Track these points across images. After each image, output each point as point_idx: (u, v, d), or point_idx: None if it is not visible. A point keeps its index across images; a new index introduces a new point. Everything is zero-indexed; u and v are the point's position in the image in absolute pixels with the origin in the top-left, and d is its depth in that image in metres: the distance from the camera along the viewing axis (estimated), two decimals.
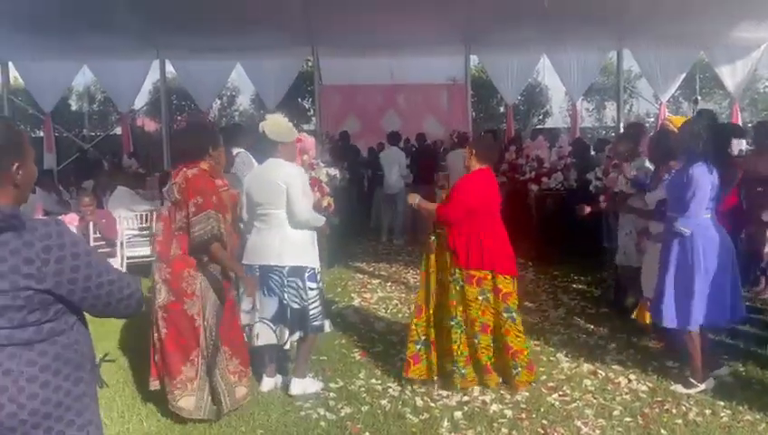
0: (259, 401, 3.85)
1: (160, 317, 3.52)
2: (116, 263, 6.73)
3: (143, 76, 13.78)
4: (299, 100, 20.10)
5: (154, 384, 3.65)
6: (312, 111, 17.74)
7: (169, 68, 13.95)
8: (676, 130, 4.57)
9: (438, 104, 14.08)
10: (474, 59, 14.62)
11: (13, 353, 1.53)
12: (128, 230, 6.97)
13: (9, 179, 1.60)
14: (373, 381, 4.21)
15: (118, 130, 15.69)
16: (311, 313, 3.89)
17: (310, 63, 15.12)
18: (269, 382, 4.07)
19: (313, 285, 3.90)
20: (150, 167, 11.62)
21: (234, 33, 11.84)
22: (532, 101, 21.80)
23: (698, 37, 12.90)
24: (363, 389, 4.08)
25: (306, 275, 3.87)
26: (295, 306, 3.86)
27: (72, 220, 6.06)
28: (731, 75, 13.73)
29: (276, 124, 3.94)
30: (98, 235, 6.54)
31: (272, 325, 3.90)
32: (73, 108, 21.69)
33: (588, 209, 5.22)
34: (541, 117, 22.47)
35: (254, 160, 4.93)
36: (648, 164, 5.00)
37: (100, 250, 6.43)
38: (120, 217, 6.83)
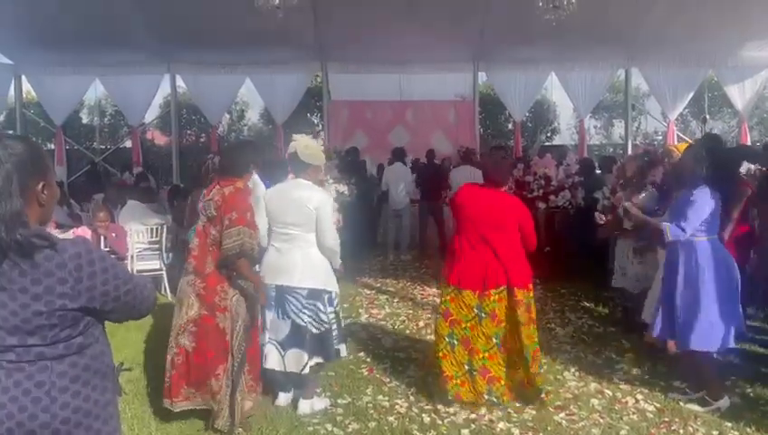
0: (267, 417, 3.87)
1: (189, 331, 3.60)
2: None
3: (154, 90, 13.95)
4: (308, 115, 20.25)
5: (169, 404, 3.67)
6: (320, 127, 17.88)
7: (180, 82, 14.13)
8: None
9: (446, 120, 14.16)
10: (482, 76, 14.71)
11: (44, 366, 1.58)
12: (138, 244, 7.03)
13: (35, 199, 1.65)
14: (380, 397, 4.22)
15: (128, 144, 15.87)
16: (333, 337, 3.88)
17: (319, 79, 15.27)
18: (284, 398, 4.04)
19: (331, 309, 3.89)
20: (160, 180, 11.73)
21: (244, 48, 12.01)
22: (540, 119, 21.85)
23: (707, 56, 12.97)
24: (371, 405, 4.09)
25: (326, 298, 3.87)
26: (314, 331, 3.82)
27: (84, 233, 6.12)
28: (739, 94, 13.77)
29: (309, 147, 3.95)
30: (108, 249, 6.61)
31: (281, 350, 3.84)
32: (84, 121, 21.92)
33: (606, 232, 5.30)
34: (548, 134, 22.50)
35: (258, 180, 4.96)
36: (650, 189, 5.06)
37: None
38: (130, 231, 6.90)
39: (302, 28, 11.19)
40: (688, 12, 10.60)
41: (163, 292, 6.99)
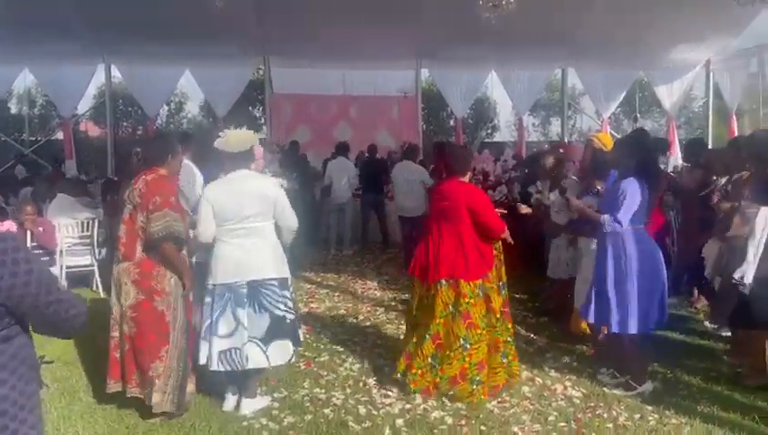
0: (200, 413, 3.82)
1: (129, 317, 3.64)
2: (55, 272, 6.54)
3: (87, 80, 13.48)
4: (249, 108, 19.96)
5: (113, 386, 3.72)
6: (262, 120, 17.64)
7: (115, 73, 13.67)
8: (602, 146, 4.84)
9: (390, 116, 14.25)
10: (425, 72, 14.86)
11: None
12: (68, 238, 6.78)
13: None
14: (317, 390, 4.23)
15: (60, 135, 15.24)
16: (297, 325, 3.91)
17: (261, 71, 15.07)
18: (232, 400, 3.92)
19: (292, 296, 3.94)
20: (93, 173, 11.35)
21: (183, 39, 11.71)
22: (481, 116, 22.28)
23: (638, 58, 13.52)
24: (307, 398, 4.09)
25: (290, 285, 3.90)
26: (288, 320, 3.81)
27: (9, 228, 5.87)
28: (668, 95, 14.43)
29: (230, 136, 3.87)
30: (35, 244, 6.36)
31: (262, 346, 3.72)
32: (13, 111, 20.91)
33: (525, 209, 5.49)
34: (489, 131, 22.97)
35: (196, 171, 4.87)
36: (574, 178, 5.28)
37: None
38: (59, 225, 6.64)
39: (244, 20, 11.01)
40: (621, 16, 11.01)
41: (94, 288, 6.78)
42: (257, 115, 20.16)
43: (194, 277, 3.88)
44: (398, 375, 4.14)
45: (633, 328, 4.03)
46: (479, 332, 4.02)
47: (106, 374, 3.74)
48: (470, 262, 4.03)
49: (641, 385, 4.12)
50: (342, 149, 10.24)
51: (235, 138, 3.84)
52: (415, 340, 4.15)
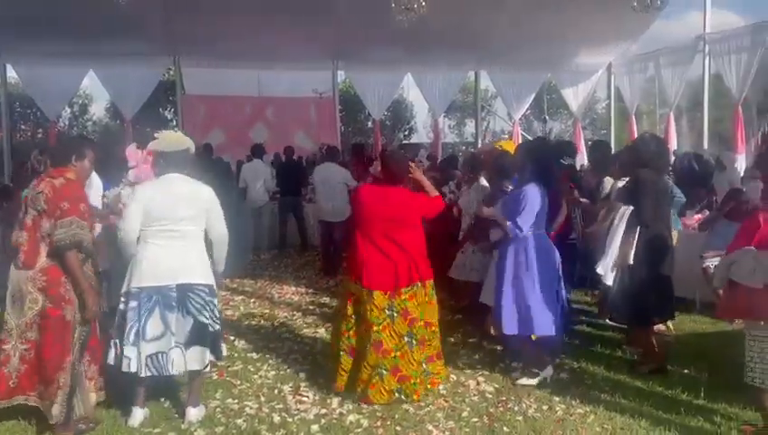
0: (106, 429, 3.64)
1: (35, 326, 3.51)
2: None
3: None
4: (160, 110, 19.27)
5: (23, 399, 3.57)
6: (174, 122, 17.07)
7: (11, 72, 12.86)
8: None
9: (307, 118, 14.14)
10: (341, 74, 14.85)
11: None
12: None
13: None
14: (230, 400, 4.11)
15: None
16: (221, 336, 3.80)
17: (171, 72, 14.58)
18: (140, 414, 3.74)
19: (219, 306, 3.83)
20: None
21: (86, 37, 11.14)
22: (398, 117, 22.56)
23: (546, 62, 14.09)
24: (219, 409, 3.97)
25: (216, 294, 3.79)
26: (211, 329, 3.68)
27: None
28: (574, 97, 15.11)
29: (167, 137, 3.83)
30: None
31: (184, 350, 3.64)
32: None
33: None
34: (406, 132, 23.29)
35: (94, 177, 4.64)
36: (483, 183, 5.44)
37: None
38: None
39: (152, 18, 10.60)
40: (529, 20, 11.44)
41: None
42: (169, 117, 19.50)
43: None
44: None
45: (532, 330, 4.21)
46: (432, 329, 4.18)
47: None
48: (427, 263, 4.15)
49: (542, 370, 4.32)
50: (258, 152, 10.05)
51: (169, 136, 3.80)
52: (395, 354, 4.00)
